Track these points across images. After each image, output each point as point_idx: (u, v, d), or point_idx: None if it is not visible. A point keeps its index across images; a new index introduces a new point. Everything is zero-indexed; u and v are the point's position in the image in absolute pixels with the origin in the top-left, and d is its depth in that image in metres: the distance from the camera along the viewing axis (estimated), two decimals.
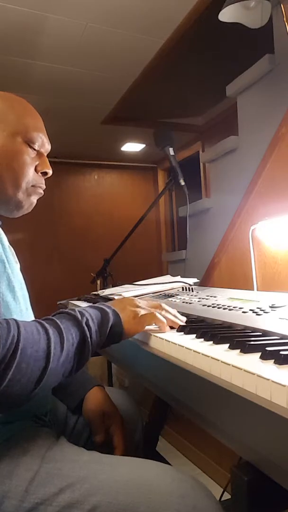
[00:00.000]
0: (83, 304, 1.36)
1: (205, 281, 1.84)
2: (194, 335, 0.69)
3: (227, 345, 0.59)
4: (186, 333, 0.71)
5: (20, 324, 0.59)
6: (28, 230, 3.76)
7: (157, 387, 0.71)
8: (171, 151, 1.67)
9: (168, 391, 0.66)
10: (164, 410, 1.55)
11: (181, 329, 0.74)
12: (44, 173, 0.88)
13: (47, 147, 0.88)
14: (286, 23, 1.57)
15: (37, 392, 0.59)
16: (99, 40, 2.32)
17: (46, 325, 0.62)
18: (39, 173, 0.86)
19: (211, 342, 0.63)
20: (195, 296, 1.17)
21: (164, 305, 0.79)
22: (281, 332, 0.64)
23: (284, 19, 1.59)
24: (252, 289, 1.45)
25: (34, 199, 0.88)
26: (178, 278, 1.50)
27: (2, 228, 0.85)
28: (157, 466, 0.69)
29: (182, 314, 0.93)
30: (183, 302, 1.09)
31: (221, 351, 0.57)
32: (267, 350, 0.52)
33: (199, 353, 0.57)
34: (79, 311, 0.68)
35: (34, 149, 0.85)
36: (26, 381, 0.57)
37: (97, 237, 4.16)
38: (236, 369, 0.49)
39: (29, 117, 0.86)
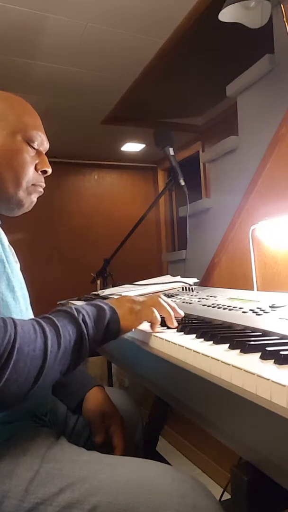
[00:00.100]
0: None
1: (205, 281, 1.84)
2: (194, 335, 0.69)
3: (227, 345, 0.60)
4: (186, 333, 0.71)
5: (17, 322, 0.59)
6: (28, 230, 3.76)
7: (157, 387, 0.71)
8: (171, 151, 1.67)
9: (168, 391, 0.66)
10: (164, 410, 1.55)
11: (181, 329, 0.74)
12: (44, 172, 0.88)
13: (46, 146, 0.89)
14: (286, 23, 1.57)
15: (35, 391, 0.59)
16: (99, 40, 2.32)
17: (43, 323, 0.62)
18: (39, 172, 0.87)
19: (211, 342, 0.63)
20: (195, 296, 1.17)
21: (162, 297, 0.79)
22: (281, 332, 0.64)
23: (284, 19, 1.59)
24: (252, 289, 1.45)
25: (34, 198, 0.88)
26: (178, 278, 1.50)
27: (2, 228, 0.85)
28: (157, 466, 0.69)
29: None
30: (183, 302, 1.09)
31: (221, 351, 0.57)
32: (267, 350, 0.52)
33: (199, 353, 0.57)
34: (75, 308, 0.68)
35: (34, 148, 0.85)
36: (24, 380, 0.57)
37: (97, 237, 4.16)
38: (236, 369, 0.49)
39: (28, 116, 0.86)
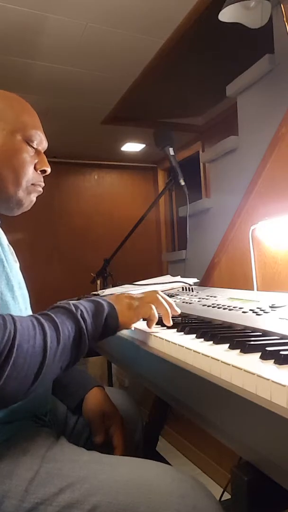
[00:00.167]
0: None
1: (205, 281, 1.84)
2: (194, 335, 0.69)
3: (227, 345, 0.60)
4: (186, 333, 0.71)
5: (16, 319, 0.59)
6: (28, 230, 3.76)
7: (157, 387, 0.71)
8: (171, 151, 1.67)
9: (168, 391, 0.66)
10: (164, 410, 1.55)
11: (181, 329, 0.74)
12: (43, 171, 0.88)
13: (45, 145, 0.89)
14: (286, 23, 1.57)
15: (35, 388, 0.59)
16: (99, 40, 2.32)
17: (42, 319, 0.63)
18: (38, 171, 0.87)
19: (211, 342, 0.63)
20: (195, 296, 1.17)
21: (160, 294, 0.79)
22: (281, 332, 0.64)
23: (284, 19, 1.59)
24: (252, 289, 1.45)
25: (33, 197, 0.88)
26: (178, 278, 1.50)
27: (1, 227, 0.85)
28: (157, 466, 0.69)
29: (182, 314, 0.93)
30: (183, 302, 1.09)
31: (221, 351, 0.57)
32: (267, 350, 0.52)
33: (199, 353, 0.57)
34: (73, 304, 0.68)
35: (33, 147, 0.85)
36: (24, 377, 0.57)
37: (97, 237, 4.16)
38: (236, 369, 0.49)
39: (27, 115, 0.86)
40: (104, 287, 1.83)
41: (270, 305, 0.84)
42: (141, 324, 0.82)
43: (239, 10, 1.54)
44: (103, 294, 1.43)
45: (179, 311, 0.82)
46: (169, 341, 0.66)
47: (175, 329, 0.76)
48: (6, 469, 0.65)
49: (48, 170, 0.88)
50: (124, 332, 0.85)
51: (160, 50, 2.44)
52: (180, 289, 1.39)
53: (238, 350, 0.56)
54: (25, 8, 2.02)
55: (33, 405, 0.77)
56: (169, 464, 0.82)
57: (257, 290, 1.45)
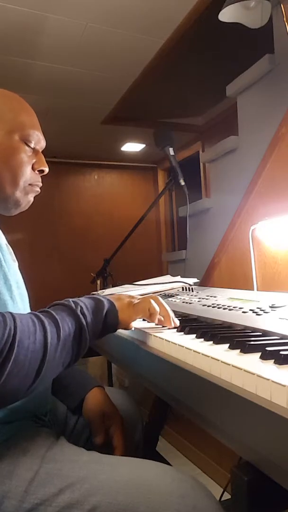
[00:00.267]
0: None
1: (205, 281, 1.84)
2: (194, 335, 0.69)
3: (227, 345, 0.60)
4: (186, 333, 0.71)
5: (16, 316, 0.59)
6: (28, 230, 3.76)
7: (157, 387, 0.71)
8: (171, 151, 1.67)
9: (168, 391, 0.66)
10: (164, 410, 1.55)
11: (181, 329, 0.74)
12: (41, 171, 0.87)
13: (43, 144, 0.88)
14: (286, 23, 1.57)
15: (37, 385, 0.59)
16: (99, 40, 2.32)
17: (42, 316, 0.63)
18: (36, 171, 0.86)
19: (211, 342, 0.63)
20: (195, 296, 1.17)
21: (160, 299, 0.79)
22: (281, 332, 0.64)
23: (284, 19, 1.59)
24: (252, 289, 1.45)
25: (31, 197, 0.88)
26: (178, 278, 1.50)
27: (0, 227, 0.85)
28: (157, 466, 0.69)
29: (182, 314, 0.93)
30: (183, 302, 1.09)
31: (221, 351, 0.57)
32: (267, 350, 0.52)
33: (199, 353, 0.57)
34: (73, 301, 0.68)
35: (31, 147, 0.84)
36: (25, 374, 0.57)
37: (97, 237, 4.16)
38: (236, 369, 0.49)
39: (25, 114, 0.85)
40: (104, 287, 1.83)
41: (270, 305, 0.84)
42: (141, 324, 0.82)
43: (239, 10, 1.54)
44: (103, 294, 1.43)
45: (178, 324, 0.79)
46: (169, 341, 0.66)
47: (175, 329, 0.76)
48: (6, 469, 0.65)
49: (46, 170, 0.87)
50: (124, 332, 0.85)
51: (160, 50, 2.44)
52: (180, 289, 1.39)
53: (238, 350, 0.56)
54: (25, 8, 2.01)
55: (33, 405, 0.77)
56: (169, 464, 0.82)
57: (257, 290, 1.44)
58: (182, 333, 0.72)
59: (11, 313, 0.60)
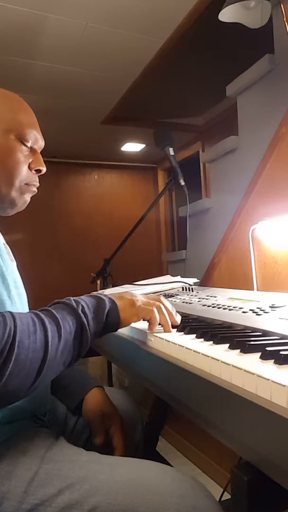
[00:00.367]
0: None
1: (205, 281, 1.83)
2: (194, 335, 0.69)
3: (227, 345, 0.59)
4: (186, 333, 0.71)
5: (16, 316, 0.59)
6: (28, 230, 3.76)
7: (157, 387, 0.71)
8: (171, 151, 1.67)
9: (168, 391, 0.66)
10: (164, 410, 1.55)
11: (181, 329, 0.74)
12: (38, 171, 0.86)
13: (41, 144, 0.87)
14: (286, 23, 1.57)
15: (38, 384, 0.59)
16: (99, 40, 2.32)
17: (42, 315, 0.62)
18: (33, 171, 0.85)
19: (211, 342, 0.63)
20: (195, 296, 1.17)
21: (163, 299, 0.79)
22: (281, 332, 0.64)
23: (284, 19, 1.59)
24: (252, 289, 1.45)
25: (27, 197, 0.86)
26: (178, 278, 1.50)
27: None
28: (156, 467, 0.69)
29: (182, 314, 0.93)
30: (183, 302, 1.09)
31: (221, 351, 0.57)
32: (267, 350, 0.52)
33: (199, 353, 0.57)
34: (74, 300, 0.68)
35: (27, 146, 0.83)
36: (26, 373, 0.57)
37: (97, 237, 4.16)
38: (236, 369, 0.49)
39: (23, 113, 0.84)
40: (104, 287, 1.83)
41: (270, 305, 0.84)
42: (141, 324, 0.82)
43: (239, 10, 1.54)
44: (104, 293, 1.43)
45: (179, 321, 0.79)
46: (169, 341, 0.66)
47: (175, 329, 0.76)
48: (5, 470, 0.65)
49: (44, 169, 0.86)
50: (124, 332, 0.85)
51: (160, 50, 2.44)
52: (180, 289, 1.39)
53: (238, 350, 0.56)
54: (25, 8, 2.02)
55: (33, 405, 0.77)
56: (169, 464, 0.82)
57: (257, 290, 1.44)
58: (182, 333, 0.72)
59: (11, 312, 0.60)
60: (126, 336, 0.84)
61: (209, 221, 2.40)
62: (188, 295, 1.22)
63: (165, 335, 0.71)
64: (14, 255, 0.90)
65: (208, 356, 0.55)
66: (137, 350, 0.76)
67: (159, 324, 0.76)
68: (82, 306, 0.67)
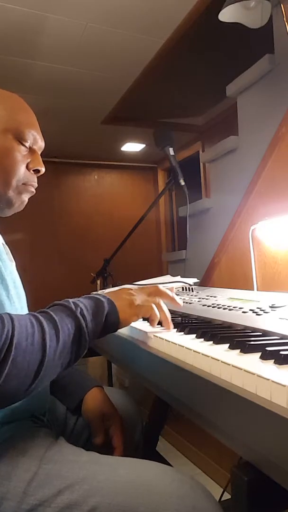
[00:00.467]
0: None
1: (205, 281, 1.83)
2: (194, 335, 0.69)
3: (227, 345, 0.59)
4: (186, 333, 0.71)
5: (14, 317, 0.59)
6: (28, 230, 3.76)
7: (157, 387, 0.71)
8: (171, 151, 1.66)
9: (168, 391, 0.66)
10: (164, 410, 1.55)
11: (181, 329, 0.74)
12: (36, 171, 0.85)
13: (40, 144, 0.87)
14: (286, 23, 1.57)
15: (36, 386, 0.59)
16: (99, 40, 2.32)
17: (40, 317, 0.62)
18: (31, 171, 0.84)
19: (211, 342, 0.63)
20: (195, 296, 1.17)
21: (161, 288, 0.78)
22: (281, 332, 0.64)
23: (284, 19, 1.59)
24: (252, 289, 1.45)
25: (25, 197, 0.86)
26: (178, 278, 1.50)
27: None
28: (156, 467, 0.69)
29: (182, 314, 0.93)
30: (183, 302, 1.09)
31: (221, 351, 0.57)
32: (267, 350, 0.52)
33: (199, 353, 0.57)
34: (73, 302, 0.68)
35: (26, 146, 0.83)
36: (24, 375, 0.57)
37: (97, 237, 4.16)
38: (236, 369, 0.49)
39: (21, 113, 0.84)
40: (104, 287, 1.83)
41: (270, 305, 0.84)
42: (141, 324, 0.82)
43: (239, 10, 1.54)
44: (104, 293, 1.43)
45: (181, 303, 0.81)
46: (169, 341, 0.66)
47: (175, 329, 0.76)
48: (5, 470, 0.65)
49: (42, 170, 0.86)
50: (124, 332, 0.85)
51: (160, 50, 2.44)
52: (180, 289, 1.39)
53: (238, 350, 0.56)
54: (25, 8, 2.01)
55: (32, 405, 0.77)
56: (169, 465, 0.82)
57: (257, 290, 1.44)
58: (182, 333, 0.72)
59: (9, 314, 0.59)
60: (126, 336, 0.84)
61: (209, 221, 2.40)
62: (188, 295, 1.22)
63: (165, 335, 0.71)
64: (13, 255, 0.90)
65: (208, 356, 0.55)
66: (137, 350, 0.76)
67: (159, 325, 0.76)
68: (81, 308, 0.67)
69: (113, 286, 1.71)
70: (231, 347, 0.58)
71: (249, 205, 1.63)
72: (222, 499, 1.25)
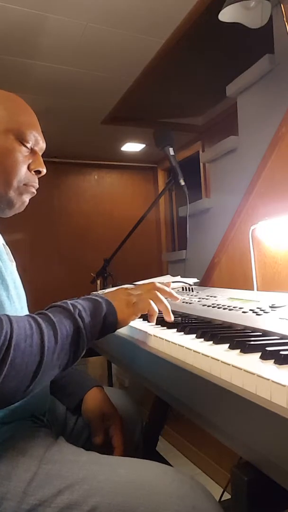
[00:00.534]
0: None
1: (205, 281, 1.83)
2: (194, 335, 0.68)
3: (227, 345, 0.59)
4: (186, 333, 0.71)
5: (12, 319, 0.59)
6: (28, 230, 3.76)
7: (157, 387, 0.71)
8: (171, 151, 1.66)
9: (168, 391, 0.66)
10: (164, 410, 1.55)
11: (181, 329, 0.74)
12: (38, 172, 0.86)
13: (42, 145, 0.87)
14: (286, 23, 1.57)
15: (34, 388, 0.59)
16: (99, 40, 2.32)
17: (39, 319, 0.62)
18: (32, 172, 0.85)
19: (211, 342, 0.63)
20: (195, 296, 1.17)
21: (158, 285, 0.79)
22: (281, 332, 0.64)
23: (284, 19, 1.59)
24: (252, 289, 1.45)
25: (26, 198, 0.86)
26: (178, 278, 1.50)
27: None
28: (156, 467, 0.69)
29: (182, 314, 0.93)
30: (183, 302, 1.09)
31: (221, 351, 0.57)
32: (267, 350, 0.52)
33: (199, 353, 0.57)
34: (71, 303, 0.68)
35: (27, 147, 0.83)
36: (22, 377, 0.57)
37: (97, 237, 4.16)
38: (236, 369, 0.49)
39: (23, 114, 0.84)
40: (104, 287, 1.83)
41: (270, 305, 0.84)
42: (141, 324, 0.82)
43: (239, 10, 1.54)
44: (104, 293, 1.43)
45: (180, 298, 0.82)
46: (169, 341, 0.66)
47: (175, 329, 0.76)
48: (5, 470, 0.65)
49: (43, 171, 0.86)
50: (124, 332, 0.85)
51: (160, 50, 2.44)
52: (180, 289, 1.39)
53: (238, 350, 0.56)
54: (25, 8, 2.02)
55: (32, 405, 0.77)
56: (169, 464, 0.82)
57: (257, 290, 1.44)
58: (182, 333, 0.72)
59: (8, 316, 0.60)
60: (126, 336, 0.84)
61: (209, 221, 2.40)
62: (188, 295, 1.22)
63: (165, 335, 0.71)
64: (13, 256, 0.90)
65: (208, 356, 0.55)
66: (137, 350, 0.76)
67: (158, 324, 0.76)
68: (79, 310, 0.67)
69: (113, 286, 1.71)
70: (231, 347, 0.58)
71: (249, 205, 1.63)
72: (222, 499, 1.25)
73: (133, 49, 2.42)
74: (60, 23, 2.14)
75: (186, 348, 0.61)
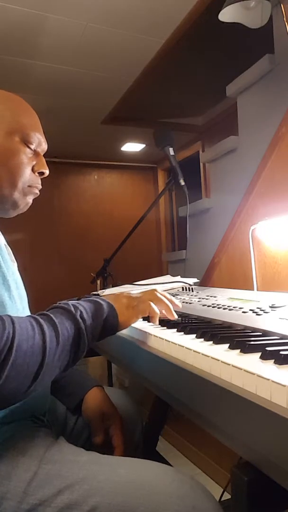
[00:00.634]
0: None
1: (205, 281, 1.83)
2: (194, 335, 0.68)
3: (227, 345, 0.59)
4: (186, 333, 0.71)
5: (15, 320, 0.59)
6: (28, 230, 3.76)
7: (157, 387, 0.71)
8: (171, 151, 1.66)
9: (168, 391, 0.66)
10: (164, 410, 1.55)
11: (181, 329, 0.74)
12: (41, 173, 0.86)
13: (44, 147, 0.87)
14: (286, 23, 1.57)
15: (35, 388, 0.59)
16: (99, 40, 2.32)
17: (41, 320, 0.62)
18: (36, 173, 0.85)
19: (211, 342, 0.63)
20: (195, 296, 1.17)
21: (159, 291, 0.79)
22: (281, 332, 0.64)
23: (284, 19, 1.59)
24: (252, 289, 1.45)
25: (29, 199, 0.87)
26: (178, 278, 1.50)
27: None
28: (156, 467, 0.69)
29: (182, 314, 0.93)
30: (183, 302, 1.09)
31: (221, 351, 0.57)
32: (267, 350, 0.52)
33: (199, 353, 0.57)
34: (72, 305, 0.68)
35: (31, 149, 0.84)
36: (23, 377, 0.57)
37: (97, 237, 4.16)
38: (236, 369, 0.49)
39: (27, 116, 0.84)
40: (104, 287, 1.83)
41: (270, 305, 0.84)
42: (141, 324, 0.82)
43: (239, 10, 1.54)
44: (103, 294, 1.43)
45: (180, 305, 0.83)
46: (169, 341, 0.66)
47: (175, 329, 0.76)
48: (5, 470, 0.65)
49: (47, 172, 0.87)
50: (124, 332, 0.85)
51: (160, 50, 2.44)
52: (180, 289, 1.39)
53: (238, 350, 0.56)
54: (25, 8, 2.02)
55: (32, 405, 0.77)
56: (169, 464, 0.82)
57: (257, 290, 1.44)
58: (182, 333, 0.72)
59: (10, 316, 0.60)
60: (126, 336, 0.84)
61: (209, 221, 2.40)
62: (188, 295, 1.22)
63: (165, 335, 0.71)
64: (14, 256, 0.91)
65: (208, 356, 0.55)
66: (137, 350, 0.76)
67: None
68: (81, 311, 0.67)
69: (113, 286, 1.71)
70: (231, 347, 0.58)
71: (249, 205, 1.63)
72: (222, 499, 1.25)
73: (133, 49, 2.42)
74: (60, 23, 2.14)
75: (186, 348, 0.61)
